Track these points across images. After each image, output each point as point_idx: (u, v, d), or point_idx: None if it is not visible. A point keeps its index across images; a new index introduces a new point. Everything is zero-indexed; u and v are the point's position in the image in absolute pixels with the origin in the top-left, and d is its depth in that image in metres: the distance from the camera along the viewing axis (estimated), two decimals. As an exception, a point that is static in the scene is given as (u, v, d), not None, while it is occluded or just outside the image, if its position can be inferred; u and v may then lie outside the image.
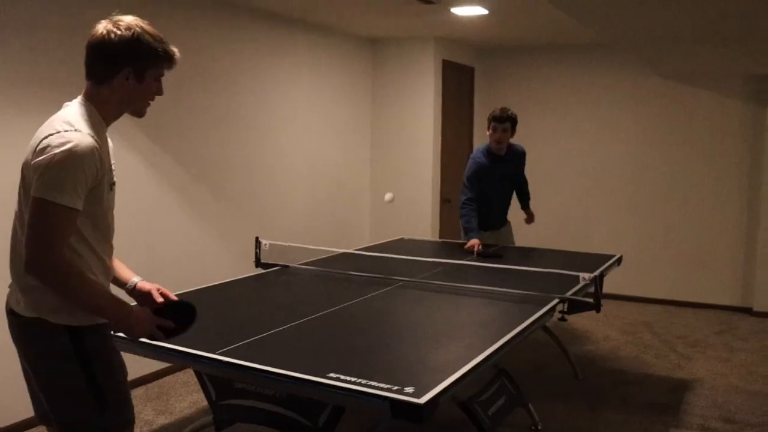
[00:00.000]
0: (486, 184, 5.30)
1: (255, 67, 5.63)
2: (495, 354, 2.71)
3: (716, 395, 4.65)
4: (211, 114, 5.21)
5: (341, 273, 4.21)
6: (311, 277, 4.18)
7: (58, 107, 2.18)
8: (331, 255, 4.84)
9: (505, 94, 7.84)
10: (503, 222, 5.63)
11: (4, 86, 3.89)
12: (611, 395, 4.64)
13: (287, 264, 4.43)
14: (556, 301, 3.54)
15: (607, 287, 4.73)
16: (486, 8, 5.54)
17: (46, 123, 2.11)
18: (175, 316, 2.27)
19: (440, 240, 6.80)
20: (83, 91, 2.19)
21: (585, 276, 3.82)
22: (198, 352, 2.63)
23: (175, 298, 2.37)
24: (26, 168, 2.09)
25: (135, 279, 2.42)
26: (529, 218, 5.82)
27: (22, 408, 3.97)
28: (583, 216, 7.55)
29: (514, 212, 5.77)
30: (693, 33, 4.74)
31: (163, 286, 2.39)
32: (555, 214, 7.62)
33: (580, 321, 6.34)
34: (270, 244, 4.48)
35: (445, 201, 7.37)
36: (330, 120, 6.71)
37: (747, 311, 6.84)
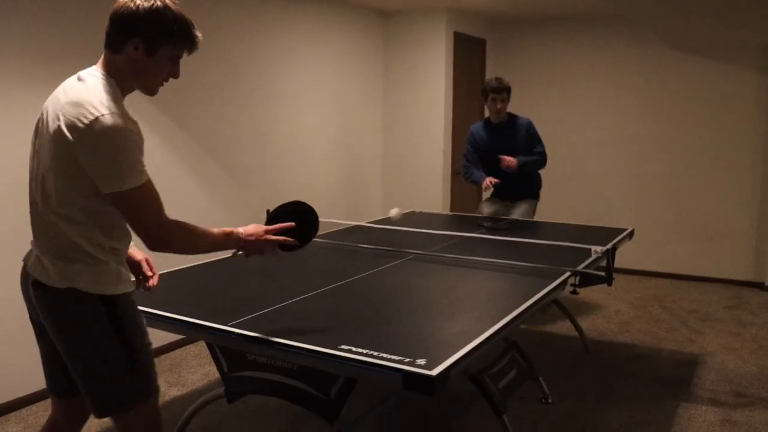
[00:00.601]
0: (487, 154, 5.39)
1: (266, 42, 5.60)
2: (506, 327, 2.71)
3: (727, 369, 4.64)
4: (222, 89, 5.20)
5: (352, 246, 4.21)
6: (322, 249, 4.18)
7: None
8: (342, 228, 4.84)
9: (516, 67, 7.78)
10: (520, 195, 5.60)
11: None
12: (622, 369, 4.65)
13: (298, 237, 4.43)
14: (567, 274, 3.53)
15: (619, 262, 4.72)
16: (498, -21, 5.48)
17: (72, 98, 2.06)
18: (291, 219, 2.52)
19: (451, 213, 6.79)
20: (100, 61, 2.18)
21: (597, 249, 3.81)
22: (210, 324, 2.63)
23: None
24: (58, 136, 2.04)
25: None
26: (507, 162, 5.29)
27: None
28: (596, 190, 7.52)
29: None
30: (709, 1, 4.67)
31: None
32: (567, 188, 7.59)
33: (591, 295, 6.33)
34: (281, 216, 4.48)
35: (456, 174, 7.34)
36: (341, 94, 6.68)
37: (759, 286, 6.82)
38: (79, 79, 2.13)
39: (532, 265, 3.69)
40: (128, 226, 2.21)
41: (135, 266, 2.48)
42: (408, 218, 5.42)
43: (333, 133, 6.59)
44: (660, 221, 7.22)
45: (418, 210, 6.00)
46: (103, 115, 1.99)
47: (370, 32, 7.05)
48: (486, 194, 5.74)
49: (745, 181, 6.87)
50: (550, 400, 4.03)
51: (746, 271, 6.94)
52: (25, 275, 2.26)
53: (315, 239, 4.38)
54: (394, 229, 4.68)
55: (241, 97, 5.40)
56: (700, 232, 7.08)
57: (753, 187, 6.84)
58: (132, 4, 2.10)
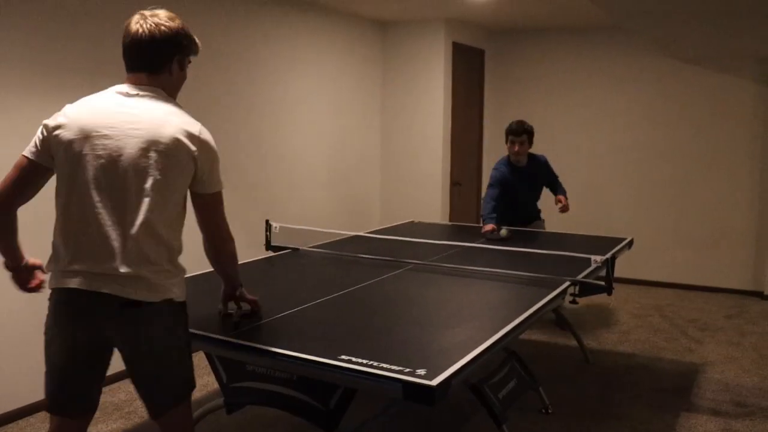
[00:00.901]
0: (509, 192, 5.35)
1: (266, 52, 5.61)
2: (506, 337, 2.70)
3: (727, 379, 4.63)
4: (222, 99, 5.20)
5: (352, 256, 4.21)
6: (322, 260, 4.18)
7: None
8: (341, 238, 4.83)
9: (515, 77, 7.80)
10: (532, 218, 5.67)
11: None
12: (622, 379, 4.64)
13: (297, 247, 4.43)
14: (567, 283, 3.52)
15: (618, 271, 4.71)
16: (497, -10, 5.49)
17: (159, 114, 2.27)
18: None
19: (450, 223, 6.79)
20: (139, 81, 2.33)
21: (596, 258, 3.80)
22: (209, 335, 2.63)
23: None
24: (174, 149, 2.24)
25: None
26: (563, 206, 5.44)
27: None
28: (595, 200, 7.52)
29: (549, 208, 5.75)
30: (707, 11, 4.69)
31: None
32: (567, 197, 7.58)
33: (590, 305, 6.33)
34: (280, 226, 4.48)
35: (455, 184, 7.35)
36: (340, 104, 6.69)
37: (758, 295, 6.81)
38: (139, 96, 2.31)
39: (532, 274, 3.68)
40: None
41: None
42: (407, 228, 5.42)
43: (332, 144, 6.59)
44: (659, 230, 7.22)
45: (417, 220, 6.00)
46: (200, 124, 2.33)
47: (369, 42, 7.07)
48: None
49: (744, 189, 6.87)
50: (550, 410, 4.01)
51: (746, 280, 6.93)
52: (94, 300, 2.20)
53: (315, 249, 4.39)
54: (393, 239, 4.68)
55: (241, 108, 5.41)
56: (700, 241, 7.09)
57: (752, 195, 6.85)
58: (163, 28, 2.30)
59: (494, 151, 7.70)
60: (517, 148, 5.32)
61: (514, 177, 5.38)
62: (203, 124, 2.35)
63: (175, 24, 2.34)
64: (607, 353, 5.15)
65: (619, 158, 7.38)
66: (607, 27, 7.11)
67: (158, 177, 2.20)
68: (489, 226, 5.04)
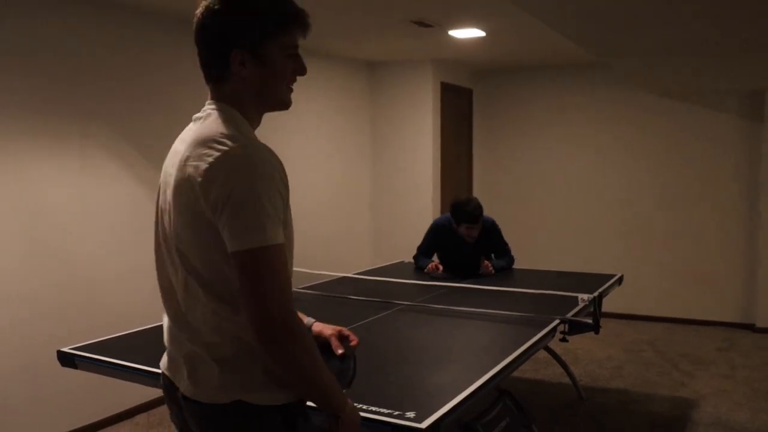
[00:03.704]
0: (446, 250, 5.14)
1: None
2: (497, 376, 2.71)
3: (720, 413, 4.63)
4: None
5: (341, 297, 4.21)
6: (311, 301, 4.18)
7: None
8: (330, 279, 4.84)
9: (503, 115, 7.88)
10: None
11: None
12: (615, 415, 4.63)
13: (288, 289, 4.42)
14: (556, 322, 3.54)
15: (609, 306, 4.73)
16: (483, 30, 5.58)
17: (194, 137, 1.62)
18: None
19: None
20: (209, 97, 1.72)
21: (584, 297, 3.82)
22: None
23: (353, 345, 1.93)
24: (183, 188, 1.59)
25: (309, 320, 1.98)
26: (484, 268, 4.93)
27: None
28: (583, 235, 7.55)
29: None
30: (688, 48, 4.78)
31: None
32: (553, 233, 7.63)
33: (582, 341, 6.32)
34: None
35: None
36: (329, 143, 6.74)
37: (749, 327, 6.83)
38: (195, 120, 1.71)
39: (521, 314, 3.69)
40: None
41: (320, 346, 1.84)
42: (397, 268, 5.43)
43: (322, 183, 6.62)
44: (648, 265, 7.25)
45: (407, 260, 6.01)
46: (230, 148, 1.53)
47: (357, 83, 7.15)
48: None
49: (731, 223, 6.92)
50: (543, 449, 4.00)
51: (736, 312, 6.95)
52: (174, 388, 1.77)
53: (304, 290, 4.39)
54: (383, 280, 4.69)
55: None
56: (689, 275, 7.12)
57: (739, 228, 6.90)
58: (209, 13, 1.63)
59: (484, 189, 7.76)
60: (474, 233, 4.91)
61: (452, 240, 5.03)
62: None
63: (225, 4, 1.61)
64: (600, 389, 5.14)
65: (607, 193, 7.44)
66: (592, 64, 7.21)
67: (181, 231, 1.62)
68: (432, 265, 4.93)
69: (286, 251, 1.53)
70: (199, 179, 1.51)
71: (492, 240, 5.09)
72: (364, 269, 5.51)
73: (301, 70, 1.70)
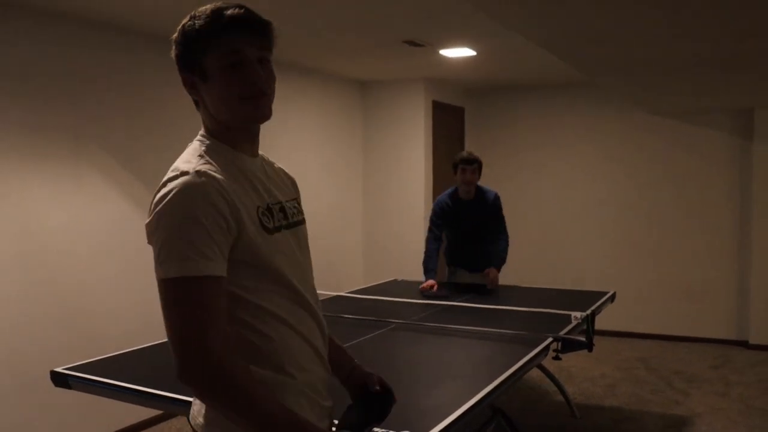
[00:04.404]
0: (452, 227, 5.26)
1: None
2: (490, 395, 2.70)
3: (715, 430, 4.62)
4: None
5: (333, 316, 4.20)
6: (305, 320, 4.16)
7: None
8: (323, 298, 4.81)
9: (495, 134, 7.91)
10: (487, 264, 5.25)
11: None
12: (609, 433, 4.62)
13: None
14: (549, 340, 3.53)
15: (602, 323, 4.73)
16: (474, 50, 5.61)
17: None
18: (372, 408, 1.83)
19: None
20: None
21: (576, 315, 3.82)
22: (191, 399, 2.60)
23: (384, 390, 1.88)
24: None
25: (352, 363, 1.92)
26: (491, 281, 5.06)
27: None
28: (575, 253, 7.56)
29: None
30: (677, 66, 4.81)
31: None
32: (546, 252, 7.64)
33: (575, 358, 6.31)
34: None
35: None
36: (321, 162, 6.75)
37: (743, 344, 6.83)
38: None
39: (514, 332, 3.69)
40: (311, 340, 1.66)
41: (358, 388, 1.89)
42: (390, 287, 5.42)
43: (313, 202, 6.62)
44: (641, 282, 7.26)
45: (400, 278, 6.00)
46: (167, 180, 1.50)
47: (349, 101, 7.17)
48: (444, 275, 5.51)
49: (723, 239, 6.95)
50: (537, 468, 3.98)
51: (729, 329, 6.96)
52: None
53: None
54: (375, 299, 4.68)
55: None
56: (682, 292, 7.13)
57: (731, 245, 6.92)
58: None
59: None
60: (469, 176, 5.10)
61: (457, 210, 5.21)
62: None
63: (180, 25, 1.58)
64: (593, 407, 5.13)
65: (598, 211, 7.46)
66: (583, 83, 7.26)
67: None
68: (428, 283, 4.95)
69: (209, 285, 1.43)
70: (150, 206, 1.52)
71: (493, 213, 5.26)
72: (357, 288, 5.50)
73: (248, 79, 1.54)
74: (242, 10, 1.53)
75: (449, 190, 5.34)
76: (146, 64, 4.79)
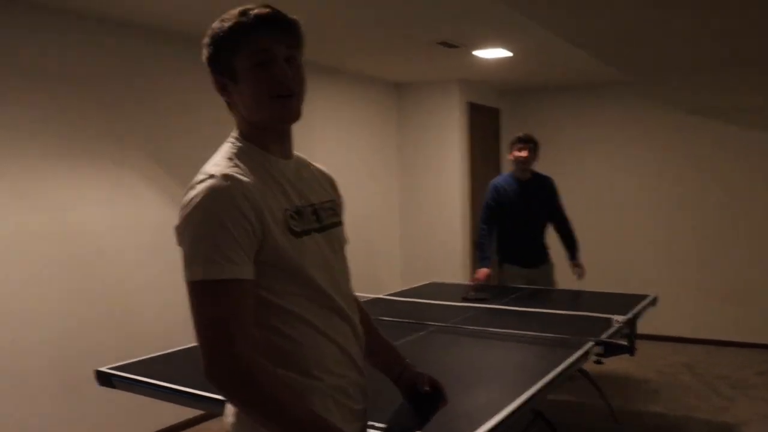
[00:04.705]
0: (507, 211, 5.27)
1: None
2: (531, 399, 2.64)
3: (762, 438, 4.50)
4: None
5: (373, 319, 4.16)
6: (341, 324, 4.13)
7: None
8: (362, 301, 4.78)
9: (531, 134, 7.81)
10: (542, 259, 5.42)
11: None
12: (653, 439, 4.51)
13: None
14: (590, 344, 3.45)
15: (645, 328, 4.63)
16: (509, 50, 5.56)
17: None
18: (421, 408, 1.83)
19: (471, 283, 6.72)
20: None
21: (618, 319, 3.74)
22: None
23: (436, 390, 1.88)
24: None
25: (403, 363, 1.94)
26: (579, 273, 5.41)
27: None
28: (615, 255, 7.44)
29: (561, 262, 5.62)
30: (717, 62, 4.71)
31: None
32: (587, 254, 7.51)
33: (617, 363, 6.20)
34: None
35: (475, 243, 7.31)
36: (357, 165, 6.73)
37: (790, 349, 6.66)
38: None
39: (555, 335, 3.62)
40: (339, 341, 1.65)
41: (409, 388, 1.92)
42: (427, 289, 5.37)
43: (350, 205, 6.60)
44: (686, 285, 7.11)
45: (438, 281, 5.95)
46: (195, 182, 1.51)
47: (384, 103, 7.15)
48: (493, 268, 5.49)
49: (769, 242, 6.78)
50: (579, 475, 3.90)
51: (776, 334, 6.79)
52: None
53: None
54: (414, 302, 4.64)
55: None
56: (728, 295, 6.96)
57: (777, 248, 6.75)
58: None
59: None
60: (525, 153, 5.18)
61: (513, 192, 5.24)
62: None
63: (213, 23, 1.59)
64: (635, 413, 5.02)
65: (639, 212, 7.33)
66: (621, 82, 7.14)
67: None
68: (482, 272, 5.04)
69: (235, 288, 1.44)
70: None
71: (552, 196, 5.42)
72: (395, 290, 5.46)
73: (278, 76, 1.53)
74: (269, 9, 1.54)
75: (505, 174, 5.45)
76: (184, 66, 4.82)
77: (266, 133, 1.62)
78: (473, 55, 5.73)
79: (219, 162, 1.55)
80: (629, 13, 3.27)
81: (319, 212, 1.68)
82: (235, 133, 1.64)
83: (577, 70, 6.54)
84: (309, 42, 1.63)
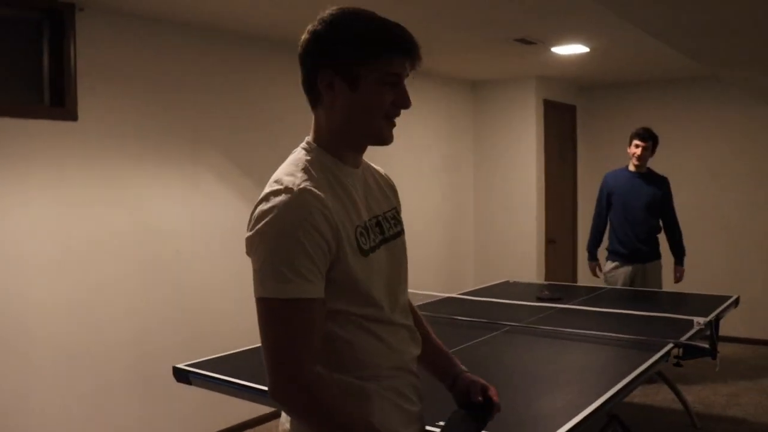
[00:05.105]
0: (618, 202, 5.44)
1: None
2: (608, 402, 2.62)
3: None
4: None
5: (446, 318, 4.19)
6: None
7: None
8: (435, 299, 4.82)
9: (607, 132, 7.70)
10: (652, 255, 5.49)
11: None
12: (733, 445, 4.41)
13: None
14: (670, 346, 3.40)
15: (725, 329, 4.52)
16: (587, 46, 5.49)
17: None
18: (474, 417, 1.77)
19: (546, 282, 6.68)
20: None
21: (699, 320, 3.67)
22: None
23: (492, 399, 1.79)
24: None
25: (457, 369, 1.87)
26: (678, 277, 5.57)
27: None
28: (696, 254, 7.25)
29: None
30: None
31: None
32: (665, 253, 7.36)
33: (695, 364, 6.05)
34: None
35: (550, 242, 7.25)
36: (434, 163, 6.76)
37: None
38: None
39: (632, 336, 3.58)
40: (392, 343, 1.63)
41: (462, 395, 1.82)
42: (502, 288, 5.37)
43: (426, 203, 6.63)
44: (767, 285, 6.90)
45: (512, 280, 5.94)
46: (270, 193, 1.48)
47: (461, 102, 7.16)
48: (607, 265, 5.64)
49: None
50: (656, 478, 3.85)
51: None
52: None
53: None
54: (489, 301, 4.64)
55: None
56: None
57: None
58: (308, 34, 1.55)
59: (589, 208, 7.57)
60: (640, 152, 5.36)
61: (623, 183, 5.42)
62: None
63: (326, 19, 1.53)
64: (715, 417, 4.91)
65: (720, 210, 7.14)
66: (701, 77, 6.96)
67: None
68: (591, 265, 5.52)
69: (306, 307, 1.43)
70: (250, 218, 1.51)
71: (665, 194, 5.47)
72: (468, 289, 5.47)
73: (403, 102, 1.56)
74: (407, 32, 1.54)
75: (616, 170, 5.61)
76: (256, 67, 4.92)
77: (350, 144, 1.60)
78: (551, 52, 5.68)
79: (294, 172, 1.51)
80: (717, 3, 3.18)
81: (383, 223, 1.66)
82: (309, 137, 1.62)
83: (654, 65, 6.40)
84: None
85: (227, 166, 4.77)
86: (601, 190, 5.63)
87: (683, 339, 3.52)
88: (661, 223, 5.54)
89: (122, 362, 4.16)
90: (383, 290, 1.59)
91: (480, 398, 1.75)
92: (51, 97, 3.93)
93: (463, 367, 1.86)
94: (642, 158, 5.40)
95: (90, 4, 3.92)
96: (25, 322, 3.73)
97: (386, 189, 1.78)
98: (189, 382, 3.08)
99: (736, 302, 4.72)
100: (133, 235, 4.23)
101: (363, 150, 1.65)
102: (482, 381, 1.82)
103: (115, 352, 4.13)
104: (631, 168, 5.48)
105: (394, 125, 1.59)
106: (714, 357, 3.45)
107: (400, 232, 1.75)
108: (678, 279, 5.53)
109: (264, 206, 1.45)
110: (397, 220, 1.76)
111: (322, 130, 1.59)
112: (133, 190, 4.23)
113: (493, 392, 1.78)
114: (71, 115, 3.91)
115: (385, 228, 1.67)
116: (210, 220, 4.66)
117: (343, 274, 1.49)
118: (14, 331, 3.69)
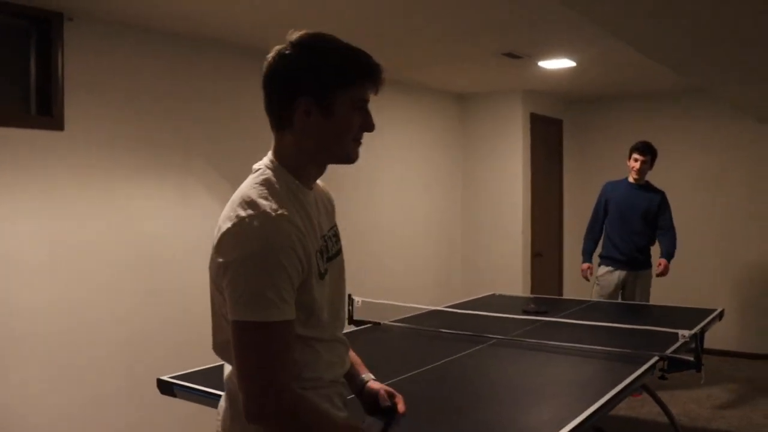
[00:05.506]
0: (615, 210, 5.68)
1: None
2: (593, 415, 2.62)
3: (833, 459, 4.37)
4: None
5: (433, 330, 4.19)
6: (403, 334, 4.17)
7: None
8: (422, 312, 4.82)
9: (594, 146, 7.75)
10: (644, 264, 5.72)
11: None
12: (717, 458, 4.43)
13: (379, 321, 4.44)
14: (655, 359, 3.42)
15: (710, 342, 4.54)
16: (574, 60, 5.53)
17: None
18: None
19: (532, 295, 6.69)
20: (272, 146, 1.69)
21: (684, 333, 3.68)
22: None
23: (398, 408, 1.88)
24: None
25: (365, 376, 1.94)
26: (660, 270, 5.64)
27: None
28: (680, 268, 7.29)
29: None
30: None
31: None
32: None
33: (680, 377, 6.08)
34: (362, 301, 4.50)
35: (536, 255, 7.27)
36: (420, 176, 6.77)
37: None
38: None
39: (618, 349, 3.58)
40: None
41: (372, 402, 1.90)
42: (488, 301, 5.37)
43: (413, 216, 6.64)
44: (753, 300, 6.94)
45: (498, 293, 5.94)
46: (244, 217, 1.49)
47: (448, 115, 7.18)
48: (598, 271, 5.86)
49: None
50: (641, 492, 3.85)
51: None
52: None
53: (396, 323, 4.38)
54: (474, 314, 4.64)
55: (329, 181, 5.52)
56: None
57: None
58: (279, 58, 1.58)
59: (575, 221, 7.61)
60: (639, 165, 5.61)
61: (624, 193, 5.65)
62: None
63: (298, 44, 1.56)
64: (700, 430, 4.93)
65: (705, 224, 7.18)
66: (687, 90, 7.01)
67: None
68: (584, 266, 5.64)
69: (287, 329, 1.47)
70: (215, 241, 1.52)
71: (661, 207, 5.70)
72: (455, 301, 5.47)
73: (368, 126, 1.64)
74: (372, 58, 1.60)
75: (618, 180, 5.87)
76: (246, 76, 4.92)
77: (314, 167, 1.67)
78: (537, 66, 5.72)
79: (267, 196, 1.52)
80: (705, 18, 3.20)
81: (327, 242, 1.70)
82: (271, 157, 1.65)
83: (641, 78, 6.45)
84: (374, 55, 1.66)
85: (215, 175, 4.76)
86: (599, 197, 5.90)
87: (668, 352, 3.52)
88: (655, 234, 5.74)
89: (112, 370, 4.15)
90: (329, 309, 1.65)
91: (388, 404, 1.84)
92: (38, 106, 3.92)
93: (371, 375, 1.93)
94: (641, 171, 5.66)
95: (78, 14, 3.92)
96: (11, 330, 3.71)
97: (327, 206, 1.83)
98: (174, 395, 3.06)
99: (721, 315, 4.74)
100: (121, 244, 4.22)
101: (322, 171, 1.72)
102: (389, 388, 1.90)
103: (104, 359, 4.11)
104: (631, 180, 5.75)
105: (360, 145, 1.68)
106: (699, 370, 3.46)
107: (340, 250, 1.79)
108: (660, 272, 5.62)
109: (241, 230, 1.47)
110: (338, 238, 1.80)
111: (287, 151, 1.63)
112: (121, 200, 4.22)
113: (399, 399, 1.87)
114: (58, 125, 3.90)
115: (330, 246, 1.71)
116: (198, 230, 4.64)
117: (306, 296, 1.54)
118: (0, 338, 3.67)
